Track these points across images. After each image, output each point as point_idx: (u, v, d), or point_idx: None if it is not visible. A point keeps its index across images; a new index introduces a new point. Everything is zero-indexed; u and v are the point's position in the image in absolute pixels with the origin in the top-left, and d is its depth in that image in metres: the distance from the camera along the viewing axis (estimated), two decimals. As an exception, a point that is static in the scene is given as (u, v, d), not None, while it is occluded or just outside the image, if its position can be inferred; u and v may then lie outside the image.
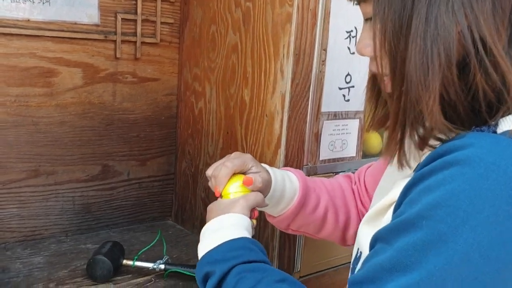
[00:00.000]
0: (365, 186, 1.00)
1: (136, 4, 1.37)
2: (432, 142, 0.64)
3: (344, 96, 1.24)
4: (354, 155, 1.30)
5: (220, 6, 1.33)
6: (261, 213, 1.00)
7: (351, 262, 0.79)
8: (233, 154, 0.93)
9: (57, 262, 1.22)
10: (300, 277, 1.25)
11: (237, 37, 1.28)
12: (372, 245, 0.65)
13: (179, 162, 1.54)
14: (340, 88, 1.23)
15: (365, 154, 1.34)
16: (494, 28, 0.60)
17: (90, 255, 1.18)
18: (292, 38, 1.12)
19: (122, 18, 1.35)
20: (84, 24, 1.31)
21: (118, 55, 1.36)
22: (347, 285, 0.64)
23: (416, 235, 0.56)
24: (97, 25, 1.32)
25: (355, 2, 0.71)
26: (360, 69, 1.26)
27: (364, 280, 0.60)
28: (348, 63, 1.23)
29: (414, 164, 0.70)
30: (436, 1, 0.59)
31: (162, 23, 1.43)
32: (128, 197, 1.48)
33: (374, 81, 0.78)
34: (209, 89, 1.40)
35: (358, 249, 0.76)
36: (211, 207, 0.85)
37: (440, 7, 0.59)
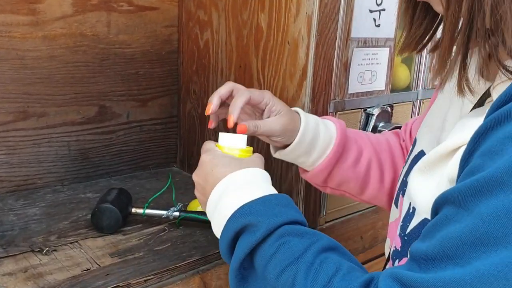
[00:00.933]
0: (411, 138, 0.87)
1: None
2: (508, 61, 0.51)
3: (374, 20, 1.09)
4: (384, 88, 1.17)
5: None
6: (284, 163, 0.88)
7: (401, 218, 0.66)
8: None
9: (55, 213, 1.09)
10: (326, 222, 1.14)
11: (251, -46, 1.11)
12: (437, 208, 0.51)
13: (183, 103, 1.40)
14: (371, 11, 1.08)
15: (393, 87, 1.21)
16: None
17: (92, 205, 1.05)
18: (320, -51, 0.97)
19: None
20: None
21: (112, -21, 1.19)
22: (409, 254, 0.52)
23: (507, 198, 0.43)
24: None
25: None
26: (393, -12, 1.11)
27: (438, 256, 0.47)
28: (380, -19, 1.08)
29: (476, 94, 0.57)
30: None
31: None
32: (129, 142, 1.34)
33: None
34: (217, 17, 1.23)
35: (410, 203, 0.63)
36: (214, 160, 0.72)
37: None
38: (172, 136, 1.43)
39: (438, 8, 0.58)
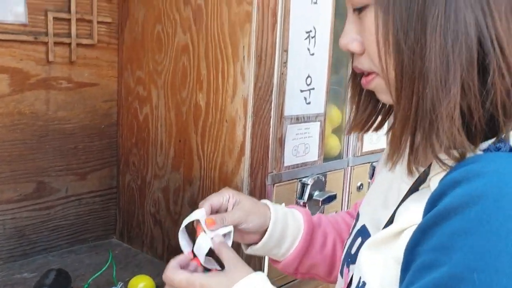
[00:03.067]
0: None
1: (69, 1, 1.22)
2: (442, 155, 0.57)
3: (305, 98, 1.18)
4: (316, 159, 1.25)
5: (166, 3, 1.22)
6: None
7: None
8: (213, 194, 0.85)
9: (-10, 299, 1.06)
10: None
11: (188, 37, 1.18)
12: None
13: (122, 175, 1.41)
14: (302, 91, 1.17)
15: (325, 157, 1.30)
16: (507, 28, 0.56)
17: (28, 287, 1.03)
18: (253, 39, 1.05)
19: (53, 17, 1.20)
20: (10, 24, 1.14)
21: (50, 59, 1.21)
22: None
23: None
24: (24, 25, 1.16)
25: None
26: (320, 70, 1.21)
27: None
28: (308, 64, 1.17)
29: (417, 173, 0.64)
30: None
31: (99, 22, 1.29)
32: (67, 216, 1.33)
33: (355, 78, 0.71)
34: (156, 94, 1.28)
35: (360, 277, 0.66)
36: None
37: (460, 3, 0.53)
38: (111, 207, 1.43)
39: (383, 97, 0.65)
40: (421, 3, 0.54)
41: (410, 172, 0.61)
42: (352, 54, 0.66)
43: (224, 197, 0.84)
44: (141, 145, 1.34)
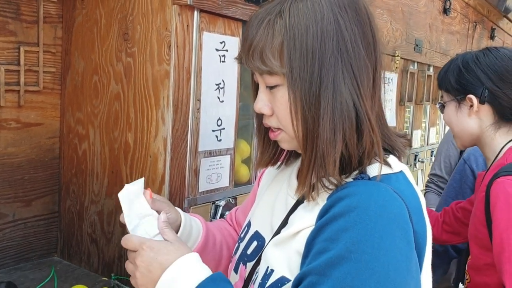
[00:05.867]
0: (237, 223, 1.20)
1: (19, 55, 1.46)
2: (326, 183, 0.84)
3: (216, 136, 1.47)
4: (228, 185, 1.53)
5: (102, 59, 1.48)
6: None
7: (260, 277, 0.88)
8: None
9: None
10: None
11: (119, 87, 1.44)
12: (301, 279, 0.77)
13: (63, 201, 1.64)
14: (213, 130, 1.46)
15: (236, 183, 1.58)
16: (370, 105, 0.83)
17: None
18: (171, 92, 1.33)
19: (5, 69, 1.43)
20: (-33, 76, 1.37)
21: (2, 104, 1.44)
22: None
23: (349, 265, 0.72)
24: (-20, 76, 1.39)
25: (258, 73, 0.85)
26: (230, 114, 1.50)
27: None
28: (218, 109, 1.46)
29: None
30: (338, 83, 0.79)
31: (44, 72, 1.53)
32: (14, 238, 1.54)
33: (260, 129, 0.97)
34: (93, 132, 1.53)
35: (268, 267, 0.87)
36: (153, 249, 0.87)
37: (342, 89, 0.80)
38: (53, 229, 1.65)
39: (285, 146, 0.90)
40: (317, 89, 0.79)
41: (307, 197, 0.86)
42: (260, 114, 0.91)
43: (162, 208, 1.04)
44: (80, 175, 1.58)
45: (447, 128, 3.59)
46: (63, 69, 1.59)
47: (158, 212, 0.97)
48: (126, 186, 0.97)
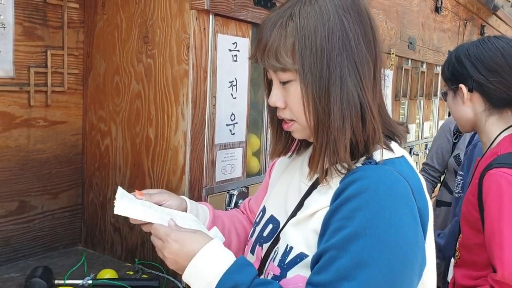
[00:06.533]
0: (250, 211, 1.31)
1: (46, 58, 1.58)
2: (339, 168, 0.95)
3: (230, 130, 1.59)
4: (240, 175, 1.66)
5: (123, 60, 1.60)
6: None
7: (280, 254, 0.97)
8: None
9: (-12, 292, 1.37)
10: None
11: (140, 86, 1.56)
12: (320, 255, 0.86)
13: (86, 194, 1.75)
14: (227, 125, 1.58)
15: (248, 174, 1.71)
16: (372, 97, 0.95)
17: (17, 282, 1.34)
18: (190, 89, 1.45)
19: (34, 72, 1.55)
20: (1, 78, 1.48)
21: (31, 104, 1.55)
22: (310, 283, 0.85)
23: (364, 240, 0.82)
24: (12, 78, 1.50)
25: (272, 70, 0.94)
26: (241, 109, 1.62)
27: (336, 279, 0.82)
28: (231, 105, 1.59)
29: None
30: (345, 77, 0.89)
31: (68, 73, 1.65)
32: (43, 228, 1.65)
33: (273, 121, 1.07)
34: (115, 129, 1.65)
35: (287, 245, 0.97)
36: (179, 240, 0.96)
37: (348, 82, 0.91)
38: (77, 220, 1.76)
39: (297, 135, 1.01)
40: (327, 83, 0.89)
41: (321, 181, 0.97)
42: (273, 107, 1.01)
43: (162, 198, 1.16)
44: (103, 169, 1.69)
45: (441, 122, 3.74)
46: (85, 70, 1.71)
47: (159, 205, 1.09)
48: (118, 199, 1.04)
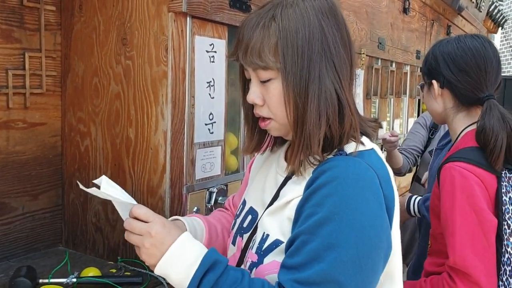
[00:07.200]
0: (234, 206, 1.34)
1: (24, 61, 1.59)
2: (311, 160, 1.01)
3: (209, 129, 1.63)
4: (219, 173, 1.70)
5: (102, 62, 1.62)
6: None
7: (257, 242, 1.03)
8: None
9: (-28, 293, 1.38)
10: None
11: (119, 87, 1.59)
12: (293, 239, 0.92)
13: (67, 194, 1.77)
14: (206, 124, 1.62)
15: (226, 171, 1.75)
16: (348, 93, 1.01)
17: (2, 283, 1.35)
18: (169, 90, 1.49)
19: (12, 74, 1.56)
20: (-21, 80, 1.49)
21: (10, 106, 1.56)
22: (284, 266, 0.91)
23: (333, 224, 0.89)
24: (-10, 81, 1.52)
25: (252, 69, 0.99)
26: (219, 109, 1.67)
27: (307, 261, 0.88)
28: (209, 105, 1.63)
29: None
30: (323, 76, 0.95)
31: (46, 75, 1.66)
32: (23, 229, 1.66)
33: (248, 117, 1.11)
34: (95, 129, 1.67)
35: (264, 232, 1.02)
36: (163, 231, 0.98)
37: (326, 81, 0.97)
38: (57, 221, 1.78)
39: (274, 133, 1.06)
40: (306, 81, 0.95)
41: (297, 173, 1.02)
42: (249, 104, 1.06)
43: None
44: (83, 170, 1.71)
45: (410, 119, 3.86)
46: (63, 72, 1.72)
47: None
48: (101, 183, 1.07)
